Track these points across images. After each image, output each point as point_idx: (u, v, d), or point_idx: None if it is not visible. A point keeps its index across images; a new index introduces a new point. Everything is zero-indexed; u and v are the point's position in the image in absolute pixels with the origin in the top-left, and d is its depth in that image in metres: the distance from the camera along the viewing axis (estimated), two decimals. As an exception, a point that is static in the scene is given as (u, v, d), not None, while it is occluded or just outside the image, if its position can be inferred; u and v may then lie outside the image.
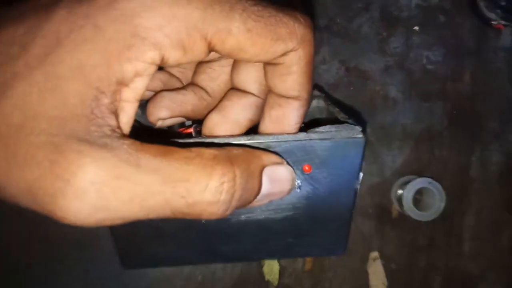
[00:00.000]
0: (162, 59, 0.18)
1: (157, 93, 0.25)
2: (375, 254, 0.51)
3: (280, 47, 0.20)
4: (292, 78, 0.22)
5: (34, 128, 0.16)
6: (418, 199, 0.50)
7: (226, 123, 0.25)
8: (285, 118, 0.23)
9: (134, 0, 0.17)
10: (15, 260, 0.49)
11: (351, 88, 0.49)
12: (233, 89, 0.25)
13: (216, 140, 0.23)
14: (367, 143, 0.24)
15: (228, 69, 0.26)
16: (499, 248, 0.52)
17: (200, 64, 0.27)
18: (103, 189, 0.16)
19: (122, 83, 0.18)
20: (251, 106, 0.25)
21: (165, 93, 0.25)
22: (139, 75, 0.18)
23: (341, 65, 0.49)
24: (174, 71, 0.28)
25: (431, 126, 0.50)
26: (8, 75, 0.17)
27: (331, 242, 0.28)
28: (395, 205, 0.51)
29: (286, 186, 0.23)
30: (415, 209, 0.48)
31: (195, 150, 0.18)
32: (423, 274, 0.51)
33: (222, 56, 0.20)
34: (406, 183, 0.48)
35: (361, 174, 0.25)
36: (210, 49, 0.19)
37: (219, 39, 0.19)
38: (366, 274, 0.51)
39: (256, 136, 0.23)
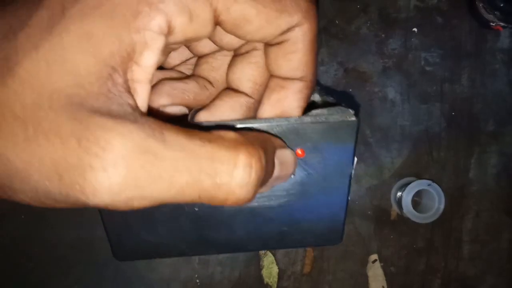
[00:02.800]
0: (169, 27, 0.18)
1: (158, 81, 0.25)
2: (374, 256, 0.51)
3: (285, 20, 0.20)
4: (298, 57, 0.21)
5: (53, 105, 0.16)
6: (417, 201, 0.50)
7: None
8: (286, 100, 0.23)
9: None
10: (14, 262, 0.48)
11: (350, 90, 0.49)
12: (226, 89, 0.25)
13: (208, 124, 0.22)
14: (359, 126, 0.23)
15: (230, 58, 0.25)
16: (498, 251, 0.52)
17: (201, 56, 0.26)
18: (133, 163, 0.15)
19: (132, 59, 0.17)
20: (242, 106, 0.24)
21: (166, 81, 0.25)
22: (148, 48, 0.17)
23: (339, 67, 0.49)
24: (183, 68, 0.27)
25: (429, 127, 0.50)
26: (11, 51, 0.16)
27: (327, 230, 0.27)
28: (394, 207, 0.50)
29: (290, 169, 0.22)
30: (414, 211, 0.47)
31: (214, 132, 0.18)
32: (422, 277, 0.51)
33: (226, 30, 0.20)
34: (405, 185, 0.48)
35: (355, 159, 0.25)
36: (216, 19, 0.19)
37: (225, 6, 0.18)
38: (365, 277, 0.51)
39: (248, 120, 0.23)
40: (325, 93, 0.30)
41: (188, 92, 0.25)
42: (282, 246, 0.28)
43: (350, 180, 0.25)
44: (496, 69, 0.50)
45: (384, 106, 0.49)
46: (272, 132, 0.23)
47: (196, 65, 0.26)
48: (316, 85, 0.32)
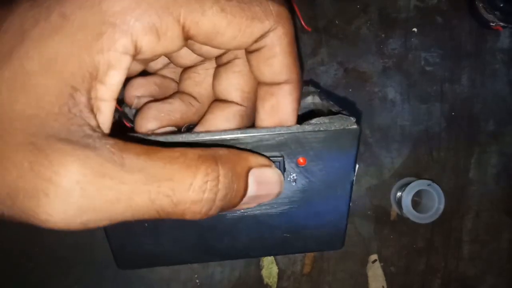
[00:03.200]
0: (135, 47, 0.17)
1: (143, 105, 0.25)
2: (374, 256, 0.51)
3: (257, 27, 0.20)
4: (278, 60, 0.21)
5: (9, 128, 0.15)
6: (417, 201, 0.50)
7: None
8: (280, 106, 0.23)
9: None
10: (14, 262, 0.48)
11: (350, 90, 0.49)
12: (216, 101, 0.25)
13: (208, 136, 0.22)
14: (361, 134, 0.23)
15: (213, 71, 0.25)
16: (498, 251, 0.52)
17: (184, 70, 0.26)
18: (89, 188, 0.15)
19: (96, 79, 0.17)
20: (235, 116, 0.24)
21: (151, 104, 0.25)
22: (113, 68, 0.17)
23: (339, 67, 0.49)
24: (166, 72, 0.27)
25: (429, 127, 0.50)
26: None
27: (329, 236, 0.27)
28: (394, 208, 0.50)
29: (274, 189, 0.22)
30: (414, 211, 0.47)
31: (179, 149, 0.18)
32: (422, 277, 0.51)
33: (199, 42, 0.20)
34: (405, 185, 0.48)
35: (357, 166, 0.25)
36: (185, 34, 0.19)
37: (193, 21, 0.18)
38: (365, 277, 0.51)
39: (249, 130, 0.23)
40: (324, 96, 0.30)
41: (174, 112, 0.25)
42: (285, 252, 0.28)
43: (351, 187, 0.25)
44: (496, 69, 0.50)
45: (384, 106, 0.49)
46: (273, 141, 0.23)
47: (180, 81, 0.26)
48: (316, 87, 0.32)
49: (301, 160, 0.24)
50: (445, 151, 0.50)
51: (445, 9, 0.49)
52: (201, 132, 0.23)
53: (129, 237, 0.26)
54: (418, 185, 0.47)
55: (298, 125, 0.23)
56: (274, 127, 0.23)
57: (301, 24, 0.47)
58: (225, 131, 0.23)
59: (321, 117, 0.23)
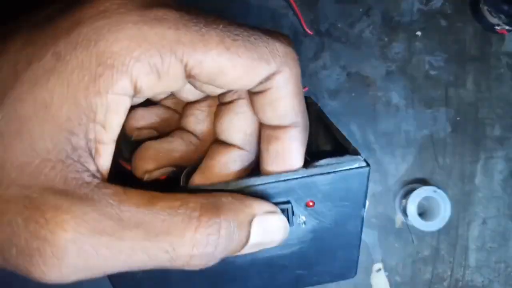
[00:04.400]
0: (135, 88, 0.17)
1: (141, 144, 0.24)
2: (378, 265, 0.49)
3: (263, 68, 0.19)
4: (284, 103, 0.20)
5: (2, 179, 0.15)
6: (423, 208, 0.49)
7: None
8: (285, 151, 0.22)
9: (98, 21, 0.16)
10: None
11: (353, 94, 0.48)
12: (216, 144, 0.24)
13: (209, 188, 0.21)
14: (370, 172, 0.23)
15: (215, 109, 0.24)
16: (505, 259, 0.51)
17: (187, 105, 0.25)
18: (85, 247, 0.15)
19: (94, 121, 0.16)
20: (235, 162, 0.23)
21: (149, 144, 0.24)
22: (111, 111, 0.16)
23: (342, 71, 0.48)
24: (169, 103, 0.26)
25: (434, 133, 0.49)
26: None
27: (341, 268, 0.27)
28: (399, 215, 0.49)
29: (278, 237, 0.21)
30: (419, 219, 0.46)
31: (180, 197, 0.17)
32: (428, 286, 0.50)
33: (201, 81, 0.19)
34: (410, 192, 0.47)
35: (367, 203, 0.24)
36: (188, 73, 0.18)
37: (197, 61, 0.17)
38: (369, 286, 0.50)
39: (253, 179, 0.22)
40: (322, 112, 0.30)
41: (174, 151, 0.24)
42: (298, 287, 0.28)
43: (362, 222, 0.25)
44: (501, 73, 0.49)
45: (388, 111, 0.48)
46: (278, 188, 0.22)
47: (182, 116, 0.25)
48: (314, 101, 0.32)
49: (310, 202, 0.23)
50: (450, 156, 0.49)
51: (449, 13, 0.48)
52: (202, 186, 0.22)
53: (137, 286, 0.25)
54: (423, 192, 0.46)
55: (305, 169, 0.22)
56: (280, 173, 0.22)
57: (303, 27, 0.46)
58: (227, 182, 0.22)
59: (328, 159, 0.23)
